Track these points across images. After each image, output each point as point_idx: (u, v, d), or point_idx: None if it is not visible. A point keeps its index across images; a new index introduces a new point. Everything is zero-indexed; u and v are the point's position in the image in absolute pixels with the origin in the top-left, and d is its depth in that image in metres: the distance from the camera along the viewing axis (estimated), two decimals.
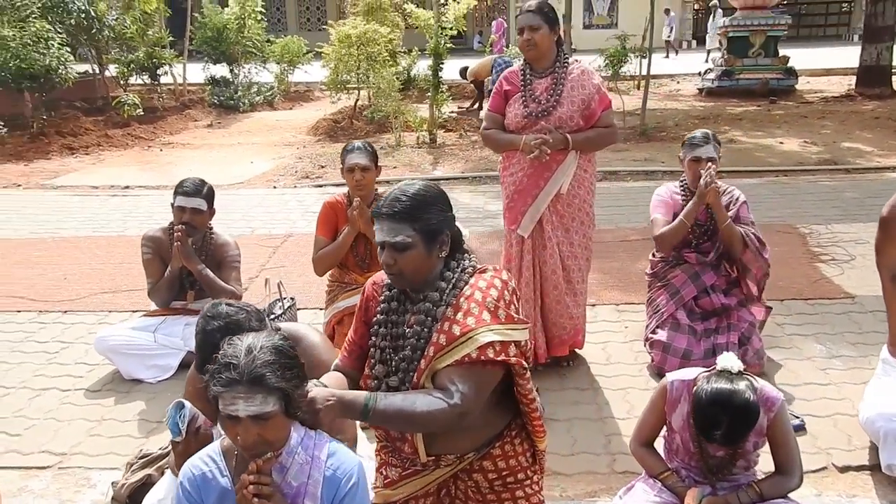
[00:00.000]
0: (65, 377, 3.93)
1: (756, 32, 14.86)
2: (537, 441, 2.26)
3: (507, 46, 17.95)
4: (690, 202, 3.71)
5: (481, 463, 2.15)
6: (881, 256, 3.01)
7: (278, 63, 16.13)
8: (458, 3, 16.54)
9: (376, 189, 3.98)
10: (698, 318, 3.81)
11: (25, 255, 5.89)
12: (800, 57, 17.98)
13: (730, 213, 3.79)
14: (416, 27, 14.99)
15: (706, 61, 21.56)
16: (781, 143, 9.75)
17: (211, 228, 3.98)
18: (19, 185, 8.55)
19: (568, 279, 3.67)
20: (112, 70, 14.39)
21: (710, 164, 3.67)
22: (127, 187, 8.35)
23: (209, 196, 3.86)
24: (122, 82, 14.56)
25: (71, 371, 4.00)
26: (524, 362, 2.03)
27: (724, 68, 15.03)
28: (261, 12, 15.25)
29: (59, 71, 10.90)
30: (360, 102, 12.54)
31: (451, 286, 2.05)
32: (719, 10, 18.19)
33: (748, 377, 2.55)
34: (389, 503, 2.19)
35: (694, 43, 30.34)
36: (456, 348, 1.95)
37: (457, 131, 11.53)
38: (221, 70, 15.70)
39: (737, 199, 3.85)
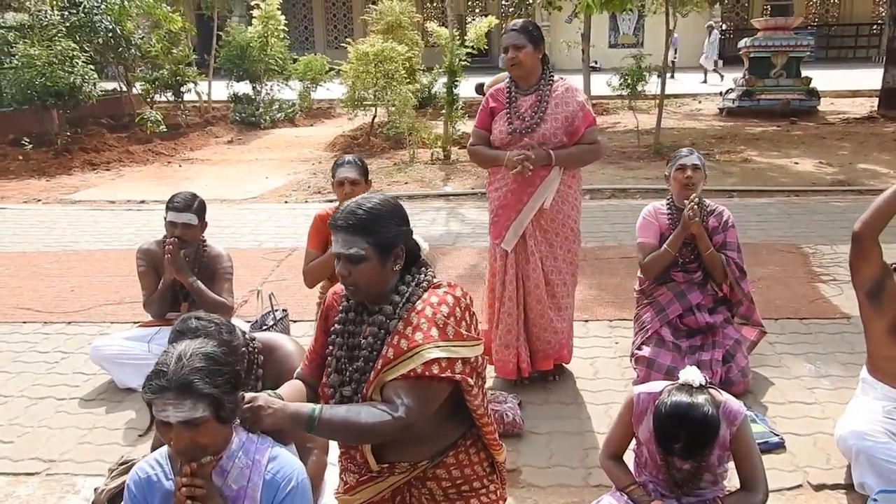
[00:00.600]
0: (62, 386, 4.03)
1: (778, 53, 14.79)
2: (494, 453, 2.29)
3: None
4: (674, 232, 3.74)
5: (435, 471, 2.18)
6: (855, 274, 3.00)
7: (301, 80, 16.39)
8: (479, 21, 16.83)
9: None
10: (683, 335, 3.81)
11: (37, 268, 6.05)
12: (826, 78, 17.87)
13: (718, 237, 3.80)
14: (437, 45, 15.19)
15: (703, 82, 21.42)
16: (796, 163, 9.68)
17: (204, 241, 4.07)
18: (39, 200, 8.78)
19: (552, 294, 3.69)
20: (138, 88, 14.72)
21: (694, 196, 3.69)
22: (142, 202, 8.54)
23: (199, 210, 3.95)
24: (147, 100, 14.90)
25: (68, 381, 4.10)
26: (469, 379, 2.04)
27: (744, 88, 14.97)
28: (283, 30, 15.51)
29: (84, 88, 11.18)
30: (377, 119, 12.69)
31: (404, 300, 2.09)
32: (715, 31, 18.29)
33: (711, 391, 2.57)
34: None
35: (721, 63, 30.25)
36: (402, 363, 1.98)
37: None
38: (244, 87, 15.99)
39: (726, 221, 3.86)
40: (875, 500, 2.49)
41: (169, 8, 14.12)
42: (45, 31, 11.52)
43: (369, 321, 2.13)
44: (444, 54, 15.84)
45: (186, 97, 15.81)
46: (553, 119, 3.55)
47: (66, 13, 12.52)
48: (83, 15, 12.68)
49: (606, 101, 16.29)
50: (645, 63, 11.61)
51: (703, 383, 2.49)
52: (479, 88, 14.50)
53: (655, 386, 2.64)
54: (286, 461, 1.90)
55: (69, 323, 4.85)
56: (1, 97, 12.17)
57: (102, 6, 12.67)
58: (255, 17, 15.23)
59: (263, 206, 8.16)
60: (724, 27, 32.26)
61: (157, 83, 14.10)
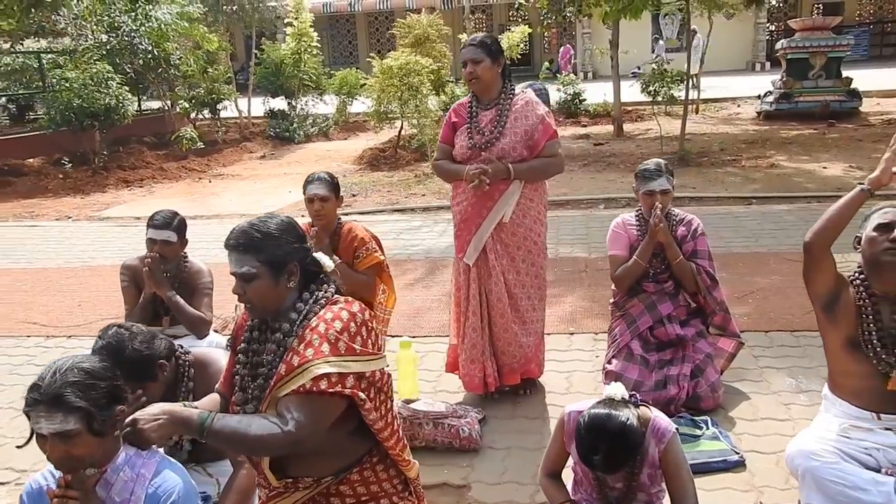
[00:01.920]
0: None
1: (816, 54, 14.39)
2: (404, 470, 2.29)
3: (575, 73, 17.95)
4: (643, 243, 3.69)
5: (338, 487, 2.20)
6: (809, 286, 2.90)
7: (337, 95, 16.65)
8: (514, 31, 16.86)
9: (339, 218, 4.10)
10: (653, 348, 3.74)
11: (53, 283, 6.30)
12: (878, 77, 17.31)
13: (687, 246, 3.74)
14: None
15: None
16: (825, 167, 9.39)
17: (185, 257, 4.17)
18: (70, 217, 9.12)
19: (515, 307, 3.68)
20: (178, 107, 15.17)
21: (658, 204, 3.64)
22: None
23: (179, 228, 4.05)
24: (189, 117, 15.35)
25: None
26: (361, 394, 2.05)
27: (782, 91, 14.60)
28: (316, 46, 15.78)
29: (119, 109, 11.57)
30: (404, 132, 12.80)
31: (301, 317, 2.13)
32: (698, 35, 18.00)
33: (641, 408, 2.53)
34: None
35: (768, 65, 29.54)
36: (293, 379, 2.01)
37: None
38: (280, 103, 16.32)
39: (695, 230, 3.79)
40: None
41: (206, 29, 14.53)
42: (83, 54, 11.98)
43: (271, 339, 2.17)
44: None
45: (227, 114, 16.24)
46: (512, 133, 3.55)
47: (108, 37, 13.02)
48: (123, 38, 13.17)
49: (643, 108, 16.09)
50: (668, 68, 11.39)
51: (626, 398, 2.46)
52: None
53: (585, 403, 2.61)
54: (170, 476, 1.95)
55: (69, 337, 5.03)
56: (47, 119, 12.75)
57: (142, 29, 13.12)
58: (288, 35, 15.54)
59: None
60: (771, 28, 31.57)
61: (194, 101, 14.50)
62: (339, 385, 2.00)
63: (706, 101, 17.56)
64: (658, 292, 3.77)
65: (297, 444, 1.99)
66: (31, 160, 12.76)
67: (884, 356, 2.74)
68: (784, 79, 14.75)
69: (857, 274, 2.88)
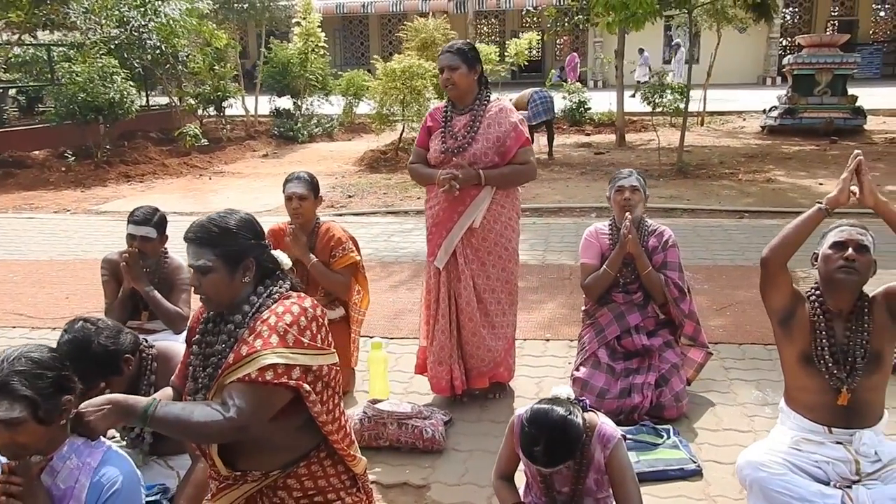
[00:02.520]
0: None
1: (822, 70, 14.39)
2: (351, 465, 2.34)
3: (584, 82, 18.01)
4: (613, 252, 3.73)
5: (285, 481, 2.25)
6: (765, 300, 2.93)
7: (344, 95, 16.74)
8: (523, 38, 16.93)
9: (318, 217, 4.16)
10: (620, 357, 3.78)
11: (44, 276, 6.37)
12: (887, 96, 17.26)
13: (658, 257, 3.78)
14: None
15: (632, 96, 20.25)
16: (821, 184, 9.40)
17: (165, 253, 4.24)
18: (68, 210, 9.21)
19: (485, 312, 3.72)
20: (183, 103, 15.28)
21: (627, 214, 3.68)
22: None
23: (159, 224, 4.11)
24: (196, 114, 15.46)
25: None
26: (306, 386, 2.11)
27: (787, 106, 14.61)
28: (323, 47, 15.87)
29: (124, 104, 11.68)
30: (405, 135, 12.87)
31: (253, 309, 2.18)
32: (682, 49, 18.02)
33: (589, 414, 2.58)
34: None
35: (779, 80, 29.47)
36: (240, 367, 2.06)
37: None
38: (286, 103, 16.41)
39: (666, 241, 3.83)
40: None
41: (214, 26, 14.64)
42: (91, 48, 12.10)
43: (224, 330, 2.22)
44: (488, 70, 15.98)
45: (234, 112, 16.35)
46: (484, 139, 3.59)
47: (117, 31, 13.14)
48: (132, 33, 13.29)
49: (648, 119, 16.09)
50: (667, 80, 11.42)
51: (572, 398, 2.50)
52: None
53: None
54: (115, 466, 2.00)
55: (54, 329, 5.09)
56: (53, 112, 12.88)
57: (150, 25, 13.24)
58: (295, 35, 15.65)
59: (274, 218, 8.31)
60: (784, 43, 31.52)
61: (200, 98, 14.61)
62: (285, 376, 2.06)
63: (712, 113, 17.58)
64: (627, 303, 3.81)
65: (240, 430, 2.03)
66: (36, 152, 12.89)
67: (835, 371, 2.77)
68: (789, 94, 14.76)
69: (813, 290, 2.91)
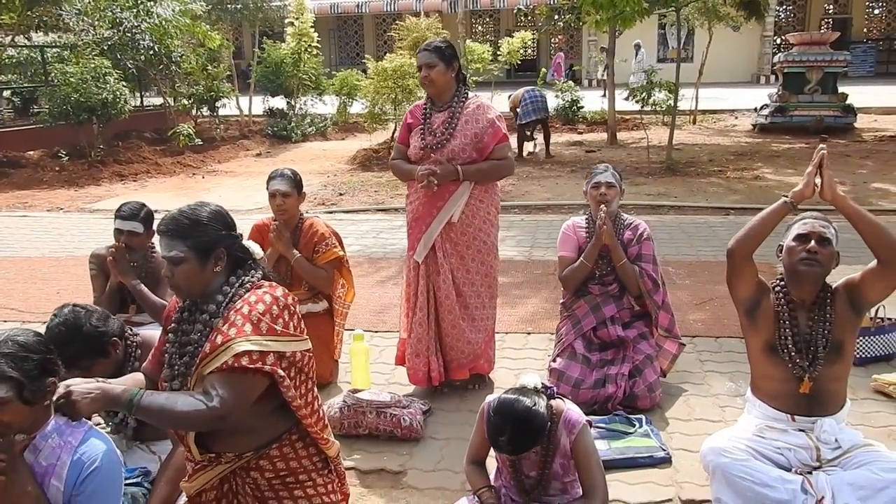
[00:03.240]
0: None
1: (813, 69, 14.47)
2: (324, 448, 2.42)
3: (575, 80, 18.10)
4: (589, 245, 3.82)
5: (258, 462, 2.33)
6: (731, 291, 3.03)
7: (337, 95, 16.81)
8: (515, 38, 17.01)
9: (301, 214, 4.24)
10: (596, 348, 3.86)
11: (35, 272, 6.46)
12: (880, 94, 17.34)
13: (632, 249, 3.87)
14: (472, 61, 15.46)
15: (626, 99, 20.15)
16: None
17: (152, 248, 4.31)
18: (61, 209, 9.29)
19: (464, 305, 3.80)
20: (175, 103, 15.35)
21: (603, 206, 3.77)
22: (156, 211, 8.92)
23: (146, 220, 4.19)
24: (190, 114, 15.53)
25: None
26: (280, 371, 2.19)
27: (778, 104, 14.70)
28: (316, 47, 15.94)
29: (116, 104, 11.75)
30: (397, 133, 12.93)
31: (227, 299, 2.27)
32: (642, 50, 18.17)
33: (556, 400, 2.66)
34: (189, 495, 2.41)
35: (773, 78, 29.59)
36: (217, 356, 2.15)
37: None
38: (280, 102, 16.49)
39: (641, 234, 3.92)
40: None
41: (207, 27, 14.71)
42: (84, 49, 12.16)
43: (199, 319, 2.31)
44: (481, 69, 16.11)
45: (228, 112, 16.42)
46: (462, 135, 3.67)
47: (110, 32, 13.20)
48: (125, 34, 13.35)
49: (640, 117, 16.17)
50: (656, 79, 11.51)
51: (539, 387, 2.58)
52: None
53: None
54: (95, 445, 2.08)
55: (44, 323, 5.14)
56: (47, 112, 12.95)
57: (143, 25, 13.30)
58: (288, 35, 15.72)
59: (264, 215, 8.43)
60: (778, 41, 31.64)
61: (193, 98, 14.68)
62: (260, 362, 2.14)
63: (704, 112, 17.66)
64: (603, 294, 3.89)
65: (222, 419, 2.12)
66: (31, 152, 12.95)
67: (798, 360, 2.86)
68: (780, 92, 14.84)
69: (778, 281, 3.00)
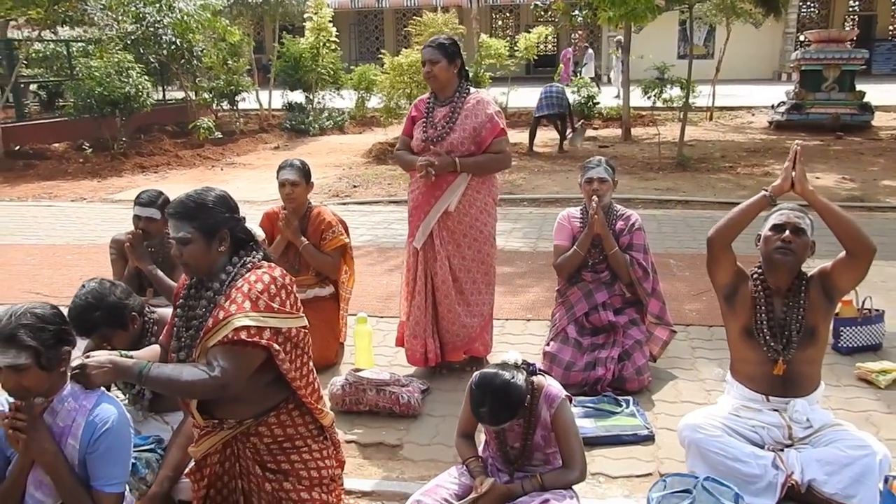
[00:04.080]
0: None
1: (830, 66, 14.46)
2: (319, 417, 2.63)
3: (576, 76, 18.17)
4: (582, 234, 3.98)
5: (257, 428, 2.54)
6: (711, 277, 3.19)
7: (356, 90, 17.02)
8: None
9: (310, 202, 4.45)
10: (588, 333, 4.03)
11: (60, 258, 6.73)
12: None
13: (624, 239, 4.03)
14: (488, 56, 15.62)
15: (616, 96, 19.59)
16: (818, 178, 9.53)
17: (168, 233, 4.53)
18: (85, 199, 9.59)
19: (460, 290, 3.98)
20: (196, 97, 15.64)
21: (595, 198, 3.93)
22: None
23: (163, 207, 4.38)
24: (211, 108, 15.82)
25: None
26: (276, 345, 2.39)
27: (794, 101, 14.70)
28: (335, 41, 16.15)
29: (139, 98, 12.05)
30: None
31: (230, 278, 2.47)
32: (589, 52, 18.22)
33: (537, 377, 2.83)
34: (196, 458, 2.63)
35: (794, 75, 29.39)
36: (218, 330, 2.36)
37: None
38: (299, 97, 16.74)
39: (633, 224, 4.07)
40: (664, 480, 2.68)
41: (227, 21, 14.98)
42: (107, 44, 12.47)
43: (204, 296, 2.52)
44: (498, 65, 16.25)
45: (247, 105, 16.70)
46: (462, 129, 3.85)
47: (133, 26, 13.51)
48: (148, 28, 13.66)
49: (657, 113, 16.22)
50: (667, 75, 11.59)
51: (519, 363, 2.76)
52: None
53: None
54: (108, 408, 2.29)
55: (66, 306, 5.41)
56: (72, 106, 13.30)
57: (165, 20, 13.59)
58: (307, 30, 15.94)
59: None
60: (801, 38, 31.42)
61: (213, 92, 14.97)
62: (257, 336, 2.35)
63: (721, 108, 17.66)
64: (595, 281, 4.06)
65: (223, 388, 2.34)
66: (56, 144, 13.30)
67: (772, 344, 3.02)
68: (797, 90, 14.84)
69: (756, 269, 3.16)
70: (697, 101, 14.63)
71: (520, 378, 2.65)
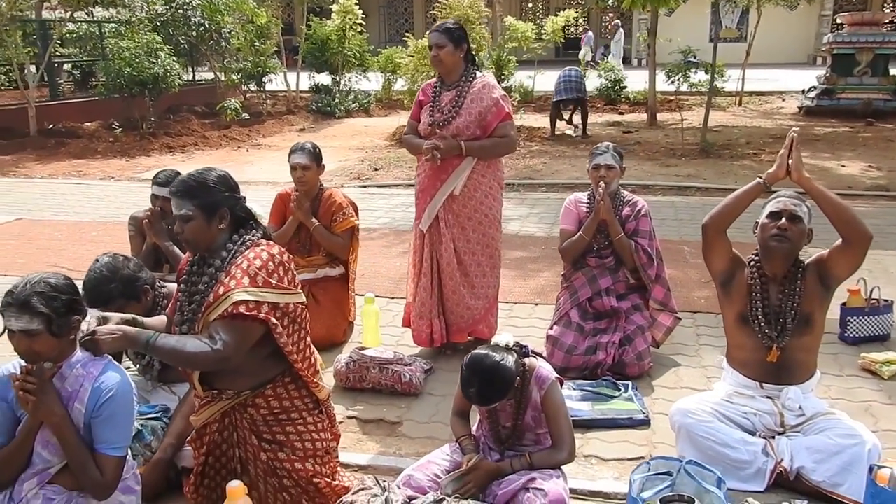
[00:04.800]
0: None
1: (863, 50, 14.17)
2: (315, 391, 2.72)
3: (600, 59, 18.01)
4: (588, 219, 4.01)
5: (254, 400, 2.64)
6: (707, 264, 3.22)
7: (382, 72, 17.06)
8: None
9: (321, 184, 4.53)
10: (591, 317, 4.07)
11: (85, 234, 6.93)
12: None
13: (630, 225, 4.05)
14: (514, 39, 15.55)
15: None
16: (843, 165, 9.42)
17: None
18: (112, 177, 9.81)
19: (464, 273, 4.05)
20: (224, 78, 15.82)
21: (601, 184, 3.95)
22: None
23: None
24: (240, 89, 16.01)
25: None
26: (273, 319, 2.48)
27: (825, 86, 14.45)
28: (361, 24, 16.21)
29: (167, 78, 12.24)
30: None
31: (230, 255, 2.57)
32: (620, 30, 17.81)
33: (529, 359, 2.88)
34: (196, 427, 2.74)
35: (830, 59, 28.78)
36: (219, 305, 2.46)
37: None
38: (325, 79, 16.85)
39: (639, 210, 4.09)
40: (648, 463, 2.73)
41: (255, 3, 15.10)
42: (139, 25, 12.67)
43: (206, 272, 2.62)
44: (524, 48, 16.17)
45: (275, 87, 16.86)
46: (467, 113, 3.90)
47: (164, 8, 13.70)
48: (177, 10, 13.84)
49: (684, 98, 16.03)
50: (696, 58, 11.46)
51: (511, 345, 2.82)
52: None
53: None
54: (113, 376, 2.41)
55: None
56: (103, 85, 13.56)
57: (194, 2, 13.75)
58: (334, 12, 16.00)
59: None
60: (839, 21, 30.76)
61: (241, 74, 15.14)
62: (256, 310, 2.44)
63: (751, 93, 17.40)
64: (599, 266, 4.09)
65: (224, 360, 2.44)
66: (88, 123, 13.58)
67: (767, 330, 3.04)
68: (828, 74, 14.58)
69: (753, 256, 3.18)
70: (727, 85, 14.46)
71: (510, 360, 2.70)
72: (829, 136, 11.70)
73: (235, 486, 2.52)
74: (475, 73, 4.02)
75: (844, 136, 11.78)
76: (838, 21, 15.28)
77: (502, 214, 4.23)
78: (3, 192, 9.03)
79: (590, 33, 24.78)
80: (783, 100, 17.22)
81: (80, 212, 7.97)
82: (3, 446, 2.42)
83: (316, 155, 4.43)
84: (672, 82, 11.73)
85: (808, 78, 16.72)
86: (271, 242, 2.62)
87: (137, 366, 3.41)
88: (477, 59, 4.18)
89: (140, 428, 3.02)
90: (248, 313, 2.43)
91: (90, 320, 2.44)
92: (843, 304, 4.34)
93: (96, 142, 12.23)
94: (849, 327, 4.32)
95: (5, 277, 5.71)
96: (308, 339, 2.70)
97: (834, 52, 14.47)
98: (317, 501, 2.69)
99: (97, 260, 3.18)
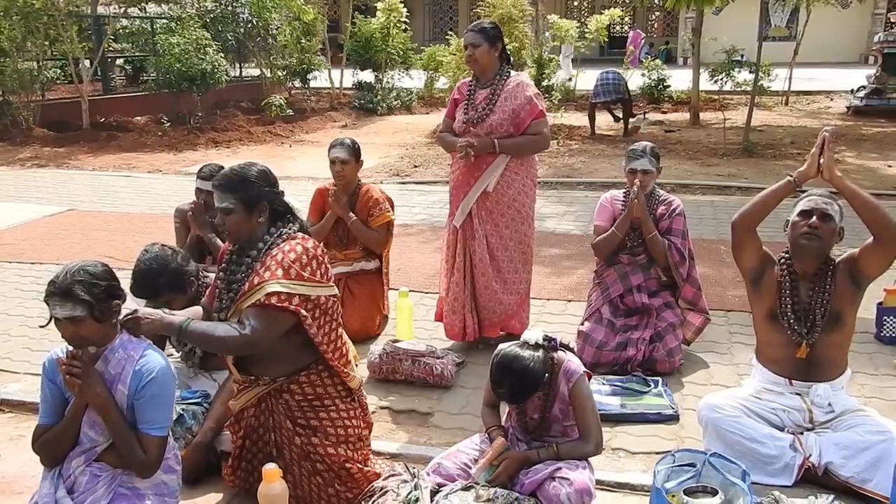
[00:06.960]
0: None
1: None
2: (346, 381, 2.82)
3: (645, 59, 17.84)
4: (621, 216, 4.05)
5: (289, 386, 2.75)
6: (737, 261, 3.23)
7: (425, 70, 17.18)
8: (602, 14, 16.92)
9: (359, 180, 4.63)
10: (622, 314, 4.11)
11: (133, 226, 7.16)
12: None
13: (664, 223, 4.07)
14: (558, 37, 15.55)
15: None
16: (890, 166, 9.24)
17: None
18: (160, 171, 10.09)
19: (497, 268, 4.11)
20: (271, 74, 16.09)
21: (637, 181, 3.98)
22: None
23: None
24: (285, 85, 16.27)
25: None
26: (303, 311, 2.59)
27: (874, 86, 14.15)
28: (405, 22, 16.35)
29: (215, 74, 12.53)
30: None
31: (266, 247, 2.69)
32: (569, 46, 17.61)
33: (558, 353, 2.94)
34: (235, 412, 2.87)
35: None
36: (252, 294, 2.58)
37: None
38: (368, 76, 17.03)
39: (674, 210, 4.11)
40: (673, 455, 2.76)
41: (301, 0, 15.32)
42: (188, 21, 12.98)
43: (243, 262, 2.74)
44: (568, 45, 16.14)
45: (319, 84, 17.09)
46: (501, 111, 3.96)
47: (213, 5, 14.01)
48: (226, 7, 14.13)
49: (729, 98, 15.81)
50: (742, 58, 11.31)
51: (540, 341, 2.88)
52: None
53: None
54: (153, 359, 2.53)
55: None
56: (153, 80, 13.94)
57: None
58: (378, 10, 16.16)
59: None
60: (892, 20, 29.92)
61: (285, 70, 15.39)
62: (287, 302, 2.55)
63: (799, 93, 17.08)
64: (631, 264, 4.12)
65: (252, 345, 2.56)
66: (138, 118, 13.97)
67: (796, 327, 3.06)
68: (878, 74, 14.27)
69: (784, 254, 3.19)
70: (774, 84, 14.23)
71: (538, 359, 2.76)
72: (876, 136, 11.45)
73: (271, 469, 2.64)
74: (510, 72, 4.08)
75: (892, 136, 11.52)
76: (891, 20, 14.89)
77: (536, 212, 4.28)
78: (57, 184, 9.36)
79: (640, 32, 24.48)
80: (831, 99, 16.88)
81: (128, 204, 8.23)
82: (53, 426, 2.56)
83: (354, 150, 4.54)
84: (715, 81, 11.58)
85: (859, 77, 16.37)
86: (306, 236, 2.72)
87: (180, 353, 3.55)
88: (519, 58, 4.23)
89: (182, 412, 3.16)
90: (279, 304, 2.54)
91: (129, 303, 2.57)
92: (880, 303, 4.30)
93: (146, 136, 12.57)
94: (885, 327, 4.29)
95: (58, 266, 5.94)
96: (340, 330, 2.80)
97: (885, 52, 14.14)
98: (348, 485, 2.79)
99: (146, 251, 3.31)
